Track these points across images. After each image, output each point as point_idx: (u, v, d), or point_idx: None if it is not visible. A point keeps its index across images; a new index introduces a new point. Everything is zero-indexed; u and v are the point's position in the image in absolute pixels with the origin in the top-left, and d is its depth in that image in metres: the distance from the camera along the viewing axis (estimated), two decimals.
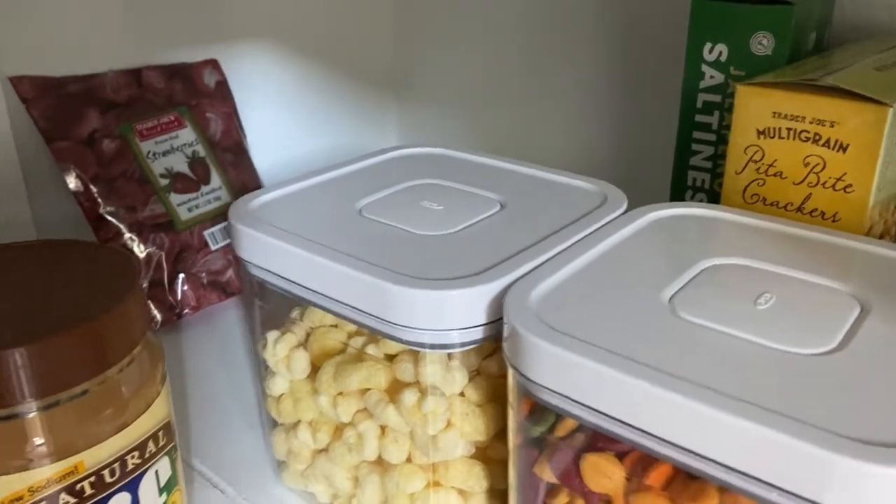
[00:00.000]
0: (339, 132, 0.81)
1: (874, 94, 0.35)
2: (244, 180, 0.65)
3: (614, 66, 0.64)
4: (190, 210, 0.60)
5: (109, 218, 0.56)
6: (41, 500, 0.28)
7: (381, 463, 0.38)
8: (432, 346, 0.33)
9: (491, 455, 0.37)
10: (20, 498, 0.27)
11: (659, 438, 0.25)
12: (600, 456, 0.29)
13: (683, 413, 0.25)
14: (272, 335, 0.40)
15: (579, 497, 0.29)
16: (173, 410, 0.33)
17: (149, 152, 0.59)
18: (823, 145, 0.37)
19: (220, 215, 0.62)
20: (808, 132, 0.37)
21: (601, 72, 0.65)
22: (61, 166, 0.56)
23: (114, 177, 0.57)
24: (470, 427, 0.35)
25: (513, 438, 0.32)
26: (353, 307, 0.34)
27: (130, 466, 0.30)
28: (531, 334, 0.28)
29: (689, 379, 0.25)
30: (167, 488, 0.32)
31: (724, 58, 0.46)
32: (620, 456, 0.28)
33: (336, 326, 0.40)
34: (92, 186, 0.56)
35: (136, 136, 0.59)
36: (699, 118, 0.48)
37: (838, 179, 0.37)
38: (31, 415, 0.27)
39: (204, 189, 0.61)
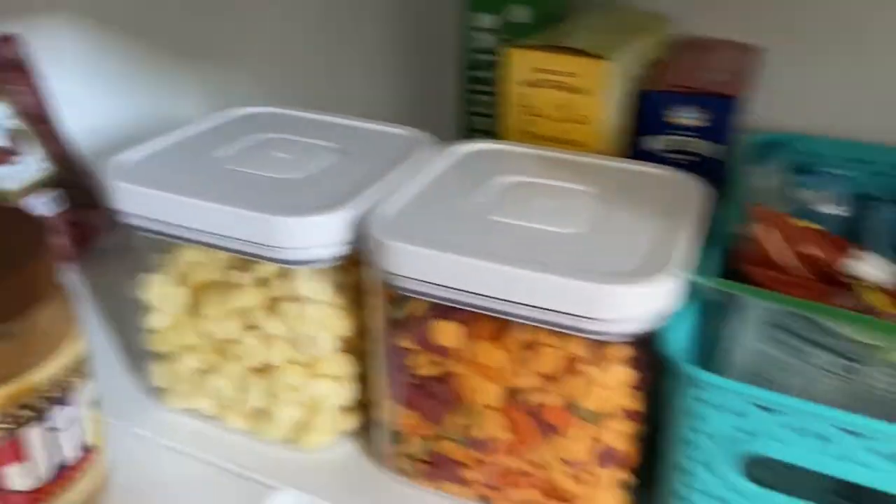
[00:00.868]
0: (143, 99, 0.83)
1: (599, 52, 0.49)
2: (63, 150, 0.66)
3: (400, 34, 0.74)
4: (15, 181, 0.61)
5: None
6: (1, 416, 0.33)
7: (263, 368, 0.46)
8: (306, 263, 0.42)
9: (354, 349, 0.47)
10: None
11: (484, 296, 0.37)
12: (446, 322, 0.40)
13: (499, 276, 0.36)
14: (150, 276, 0.46)
15: (434, 354, 0.41)
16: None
17: None
18: (570, 91, 0.51)
19: (47, 184, 0.63)
20: (559, 81, 0.51)
21: (387, 38, 0.75)
22: None
23: None
24: (339, 325, 0.45)
25: (377, 324, 0.42)
26: (237, 239, 0.41)
27: (68, 385, 0.35)
28: (391, 239, 0.38)
29: (499, 254, 0.37)
30: (94, 405, 0.38)
31: (494, 25, 0.58)
32: (459, 321, 0.40)
33: (202, 264, 0.46)
34: None
35: None
36: (476, 74, 0.60)
37: (580, 116, 0.51)
38: None
39: (27, 161, 0.62)
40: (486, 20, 0.58)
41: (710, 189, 0.45)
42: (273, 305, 0.44)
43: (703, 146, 0.51)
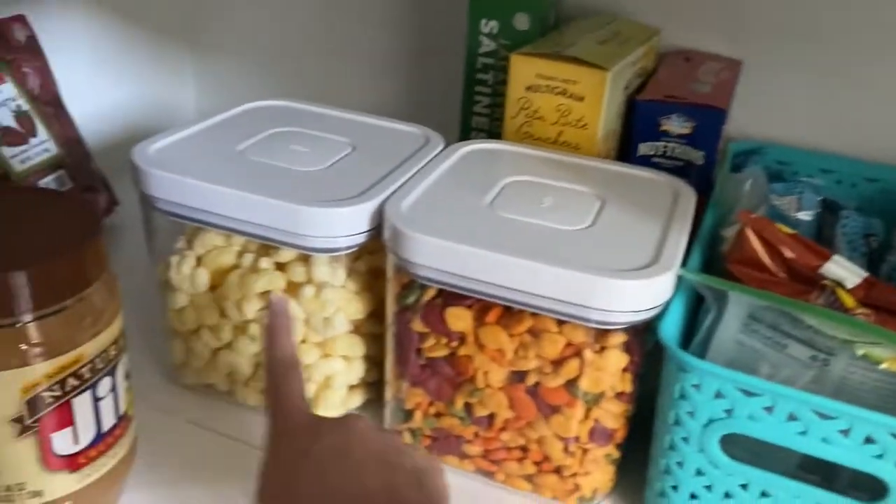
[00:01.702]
0: (140, 83, 0.84)
1: (598, 62, 0.53)
2: (67, 132, 0.68)
3: (407, 36, 0.77)
4: (23, 162, 0.63)
5: None
6: (54, 384, 0.35)
7: None
8: (325, 251, 0.45)
9: (363, 330, 0.50)
10: (37, 384, 0.35)
11: (493, 285, 0.41)
12: (456, 308, 0.43)
13: (508, 267, 0.40)
14: (174, 259, 0.49)
15: (443, 337, 0.44)
16: None
17: None
18: (569, 97, 0.54)
19: (52, 166, 0.65)
20: (559, 88, 0.54)
21: (393, 35, 0.78)
22: None
23: None
24: (352, 308, 0.48)
25: (391, 307, 0.46)
26: (262, 225, 0.44)
27: (111, 356, 0.38)
28: (409, 230, 0.42)
29: (508, 247, 0.41)
30: (128, 376, 0.41)
31: (495, 31, 0.62)
32: (468, 307, 0.43)
33: (223, 248, 0.49)
34: None
35: None
36: (479, 76, 0.63)
37: (578, 120, 0.55)
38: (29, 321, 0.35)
39: (33, 142, 0.64)
40: (490, 26, 0.61)
41: (697, 192, 0.49)
42: (291, 288, 0.47)
43: (691, 153, 0.55)
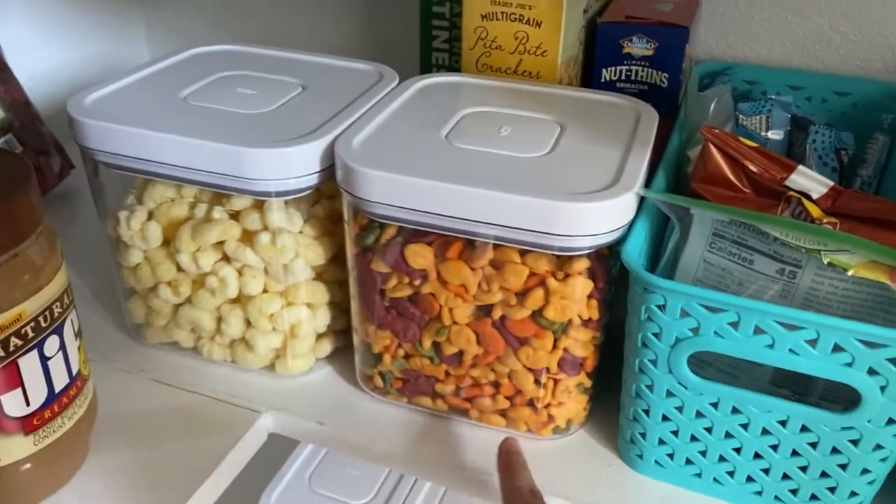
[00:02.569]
0: (90, 42, 0.81)
1: None
2: (13, 95, 0.65)
3: None
4: None
5: None
6: None
7: (239, 299, 0.48)
8: (277, 195, 0.43)
9: (326, 277, 0.49)
10: None
11: (453, 218, 0.39)
12: (416, 245, 0.42)
13: (467, 199, 0.39)
14: (123, 214, 0.47)
15: (405, 276, 0.43)
16: None
17: None
18: (526, 23, 0.52)
19: (1, 130, 0.63)
20: (515, 14, 0.52)
21: None
22: None
23: None
24: (312, 254, 0.46)
25: (351, 250, 0.44)
26: (209, 172, 0.42)
27: (56, 314, 0.37)
28: (361, 166, 0.40)
29: (466, 178, 0.39)
30: (79, 334, 0.40)
31: None
32: (428, 244, 0.42)
33: (174, 200, 0.47)
34: None
35: None
36: (435, 9, 0.61)
37: (537, 47, 0.53)
38: None
39: None
40: None
41: (663, 115, 0.48)
42: (247, 237, 0.46)
43: (655, 75, 0.54)
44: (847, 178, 0.54)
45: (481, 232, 0.40)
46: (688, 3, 0.58)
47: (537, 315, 0.41)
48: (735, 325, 0.35)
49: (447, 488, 0.71)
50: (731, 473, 0.41)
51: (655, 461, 0.42)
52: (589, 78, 0.57)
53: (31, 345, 0.35)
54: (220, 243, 0.46)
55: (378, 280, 0.44)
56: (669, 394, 0.39)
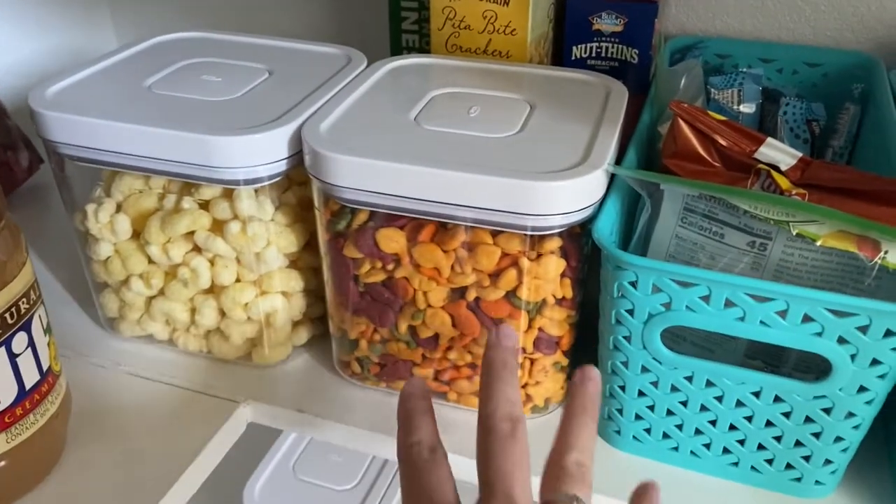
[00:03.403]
0: (55, 32, 0.80)
1: None
2: None
3: None
4: None
5: None
6: None
7: (213, 289, 0.47)
8: (246, 182, 0.43)
9: (301, 264, 0.48)
10: None
11: (423, 201, 0.39)
12: (388, 229, 0.42)
13: (437, 181, 0.38)
14: (90, 207, 0.46)
15: (378, 261, 0.42)
16: None
17: None
18: (494, 2, 0.52)
19: None
20: None
21: None
22: None
23: None
24: (285, 241, 0.46)
25: (323, 236, 0.44)
26: (176, 162, 0.42)
27: (23, 310, 0.36)
28: (329, 151, 0.40)
29: (435, 160, 0.39)
30: (48, 330, 0.39)
31: None
32: (400, 227, 0.42)
33: (142, 192, 0.47)
34: None
35: None
36: None
37: (506, 26, 0.52)
38: None
39: None
40: None
41: (634, 93, 0.47)
42: (218, 227, 0.45)
43: (625, 51, 0.53)
44: (819, 149, 0.54)
45: (453, 214, 0.39)
46: None
47: (511, 295, 0.41)
48: (706, 298, 0.36)
49: None
50: (707, 446, 0.41)
51: (633, 436, 0.42)
52: (560, 56, 0.57)
53: None
54: (191, 234, 0.45)
55: (351, 266, 0.43)
56: (644, 369, 0.39)
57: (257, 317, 0.47)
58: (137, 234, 0.47)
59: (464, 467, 0.43)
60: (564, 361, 0.44)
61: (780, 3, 0.62)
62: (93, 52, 0.83)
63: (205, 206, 0.45)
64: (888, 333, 0.34)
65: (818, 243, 0.35)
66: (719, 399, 0.39)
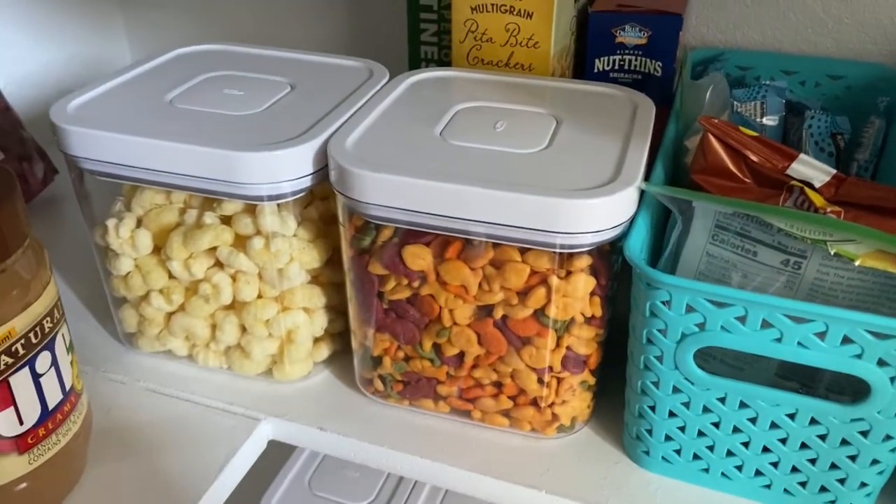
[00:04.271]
0: (68, 43, 0.79)
1: None
2: None
3: None
4: None
5: None
6: None
7: (233, 305, 0.47)
8: (270, 198, 0.42)
9: (322, 280, 0.48)
10: None
11: (452, 218, 0.38)
12: (415, 246, 0.41)
13: (465, 198, 0.38)
14: (111, 222, 0.46)
15: (404, 278, 0.42)
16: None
17: None
18: (517, 14, 0.51)
19: None
20: (505, 5, 0.51)
21: None
22: None
23: None
24: (307, 257, 0.45)
25: (347, 252, 0.43)
26: (197, 177, 0.41)
27: (46, 329, 0.36)
28: (355, 167, 0.39)
29: (463, 176, 0.38)
30: (70, 348, 0.39)
31: None
32: (426, 244, 0.41)
33: (163, 206, 0.46)
34: None
35: None
36: (423, 2, 0.60)
37: (529, 39, 0.52)
38: None
39: None
40: None
41: (657, 105, 0.47)
42: (240, 242, 0.45)
43: (648, 64, 0.53)
44: (844, 163, 0.53)
45: (480, 231, 0.39)
46: None
47: (539, 314, 0.40)
48: (742, 319, 0.35)
49: (447, 490, 0.71)
50: (739, 468, 0.40)
51: (662, 457, 0.42)
52: (581, 68, 0.56)
53: (22, 362, 0.34)
54: (213, 249, 0.45)
55: (376, 282, 0.43)
56: (676, 390, 0.39)
57: (278, 333, 0.47)
58: (158, 250, 0.46)
59: (488, 488, 0.43)
60: (592, 380, 0.44)
61: (802, 15, 0.61)
62: (106, 62, 0.83)
63: (226, 221, 0.45)
64: None
65: (856, 263, 0.35)
66: (753, 420, 0.38)
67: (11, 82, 0.71)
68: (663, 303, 0.36)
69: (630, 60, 0.53)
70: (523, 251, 0.40)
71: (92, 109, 0.45)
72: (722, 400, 0.38)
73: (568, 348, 0.42)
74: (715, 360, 0.42)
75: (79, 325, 0.53)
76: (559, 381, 0.43)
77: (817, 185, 0.39)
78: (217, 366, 0.49)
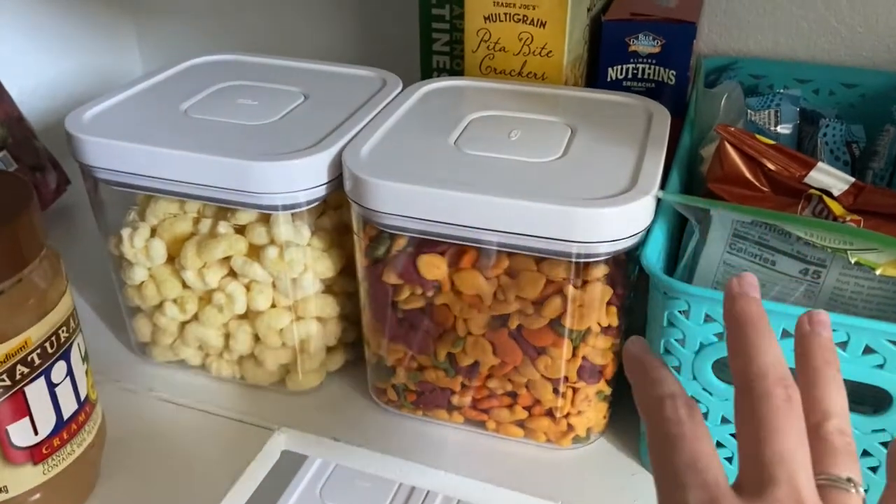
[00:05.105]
0: (80, 53, 0.80)
1: None
2: (6, 110, 0.64)
3: None
4: None
5: None
6: (2, 373, 0.33)
7: (247, 315, 0.46)
8: (284, 208, 0.42)
9: (336, 289, 0.48)
10: None
11: (464, 227, 0.38)
12: (430, 255, 0.41)
13: (480, 207, 0.38)
14: (126, 231, 0.46)
15: (418, 287, 0.42)
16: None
17: None
18: (530, 24, 0.51)
19: None
20: (518, 14, 0.51)
21: None
22: None
23: None
24: (321, 267, 0.45)
25: (361, 262, 0.43)
26: (214, 187, 0.41)
27: (62, 339, 0.36)
28: (370, 177, 0.39)
29: (478, 185, 0.38)
30: (85, 358, 0.39)
31: None
32: (441, 253, 0.41)
33: (177, 216, 0.46)
34: None
35: None
36: (435, 11, 0.60)
37: (542, 48, 0.52)
38: None
39: None
40: None
41: (671, 113, 0.47)
42: (254, 252, 0.45)
43: (662, 72, 0.53)
44: (859, 172, 0.53)
45: (495, 240, 0.39)
46: None
47: (555, 323, 0.40)
48: None
49: (460, 501, 0.70)
50: None
51: None
52: (594, 77, 0.56)
53: (37, 372, 0.34)
54: (227, 259, 0.45)
55: (390, 292, 0.43)
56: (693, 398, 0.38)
57: (292, 342, 0.47)
58: (172, 259, 0.46)
59: (502, 499, 0.43)
60: (608, 390, 0.43)
61: (815, 24, 0.61)
62: (118, 73, 0.84)
63: (240, 230, 0.45)
64: None
65: (877, 272, 0.34)
66: None
67: (24, 92, 0.72)
68: (681, 312, 0.36)
69: (643, 69, 0.53)
70: (539, 260, 0.39)
71: (107, 119, 0.45)
72: None
73: (584, 358, 0.41)
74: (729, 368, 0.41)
75: (91, 335, 0.53)
76: (575, 391, 0.42)
77: (836, 193, 0.39)
78: (230, 375, 0.49)
